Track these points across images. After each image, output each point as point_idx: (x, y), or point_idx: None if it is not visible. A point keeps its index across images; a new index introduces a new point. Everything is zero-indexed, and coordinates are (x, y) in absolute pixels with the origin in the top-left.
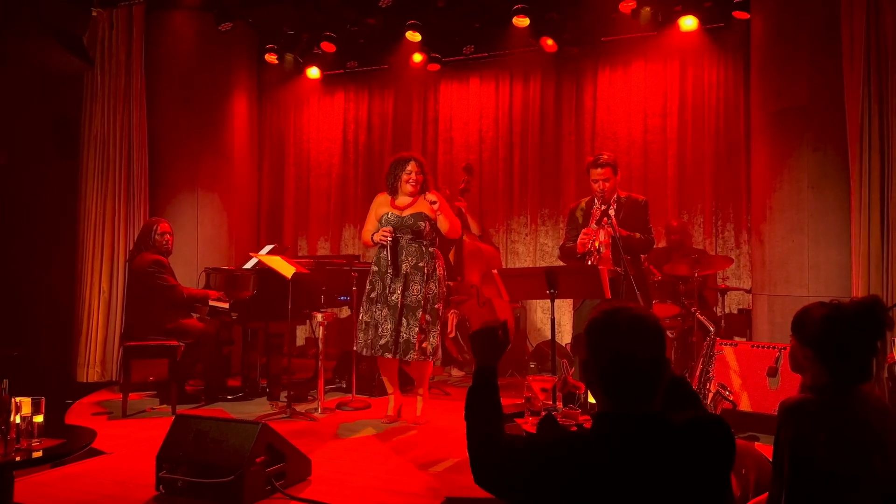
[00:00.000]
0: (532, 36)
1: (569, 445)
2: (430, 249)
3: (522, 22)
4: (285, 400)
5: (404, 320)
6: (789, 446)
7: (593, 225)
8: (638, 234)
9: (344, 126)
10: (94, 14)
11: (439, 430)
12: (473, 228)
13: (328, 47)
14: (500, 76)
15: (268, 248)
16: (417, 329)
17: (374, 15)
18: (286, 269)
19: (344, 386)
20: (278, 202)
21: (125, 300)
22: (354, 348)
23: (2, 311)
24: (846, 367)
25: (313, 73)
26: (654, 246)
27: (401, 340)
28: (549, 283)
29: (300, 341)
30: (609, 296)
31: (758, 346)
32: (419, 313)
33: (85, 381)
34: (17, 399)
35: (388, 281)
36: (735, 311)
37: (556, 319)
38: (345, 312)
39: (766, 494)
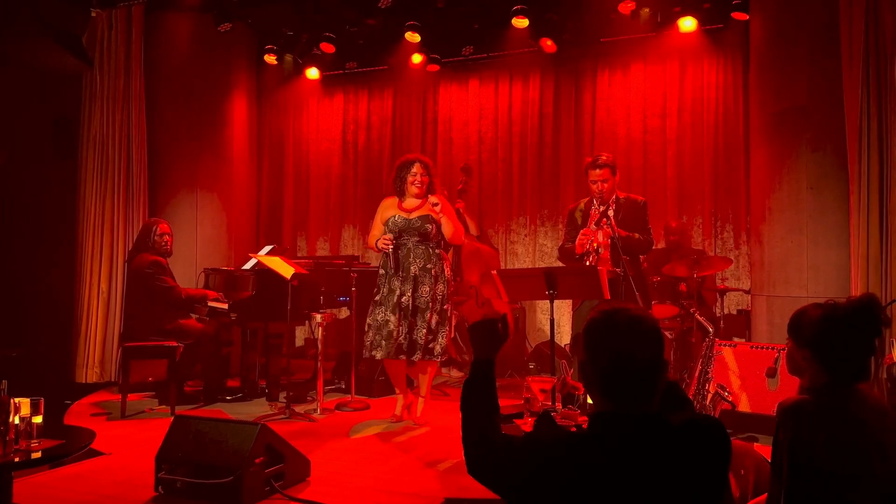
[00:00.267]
0: (531, 37)
1: (567, 445)
2: (437, 251)
3: (522, 23)
4: (284, 401)
5: (414, 321)
6: (788, 447)
7: (592, 226)
8: (637, 235)
9: (343, 127)
10: (93, 15)
11: (438, 430)
12: (472, 229)
13: (327, 48)
14: (500, 77)
15: (267, 248)
16: (426, 330)
17: (373, 16)
18: (285, 269)
19: (343, 387)
20: (277, 202)
21: (124, 301)
22: (365, 354)
23: (1, 312)
24: (844, 367)
25: (313, 73)
26: (654, 247)
27: (410, 341)
28: (549, 283)
29: (299, 342)
30: (608, 296)
31: (757, 347)
32: (428, 314)
33: (84, 381)
34: (16, 400)
35: (398, 283)
36: (734, 312)
37: (556, 320)
38: (344, 313)
39: (765, 495)
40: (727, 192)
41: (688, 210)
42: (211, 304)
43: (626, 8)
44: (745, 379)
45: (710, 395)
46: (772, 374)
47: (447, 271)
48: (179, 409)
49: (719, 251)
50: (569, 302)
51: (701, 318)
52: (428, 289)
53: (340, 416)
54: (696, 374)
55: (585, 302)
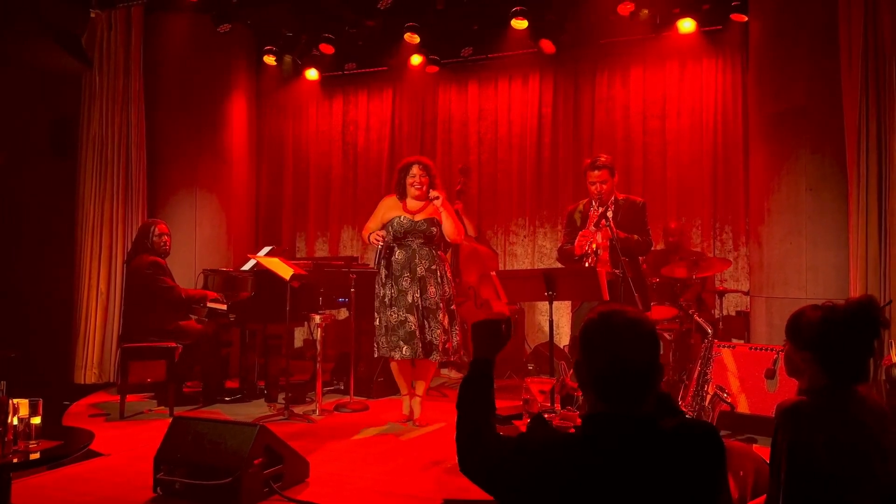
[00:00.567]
0: (531, 38)
1: (560, 446)
2: (440, 253)
3: (521, 24)
4: (283, 402)
5: (426, 322)
6: (787, 449)
7: (591, 227)
8: (636, 237)
9: (343, 128)
10: (92, 15)
11: (438, 431)
12: (470, 230)
13: (327, 49)
14: (499, 78)
15: (266, 249)
16: (440, 330)
17: (372, 17)
18: (284, 270)
19: (342, 388)
20: (277, 203)
21: (123, 301)
22: (377, 354)
23: None
24: (844, 369)
25: (312, 74)
26: (653, 248)
27: (425, 342)
28: (548, 285)
29: (298, 343)
30: (607, 298)
31: (756, 349)
32: (439, 315)
33: (83, 382)
34: (15, 400)
35: (406, 284)
36: (733, 314)
37: (555, 321)
38: (343, 314)
39: (763, 497)
40: (726, 193)
41: (687, 211)
42: (210, 305)
43: (625, 9)
44: (744, 380)
45: (709, 397)
46: (771, 375)
47: (449, 273)
48: (178, 410)
49: (718, 252)
50: (568, 303)
51: (700, 320)
52: (435, 290)
53: (339, 417)
54: (696, 375)
55: (584, 303)
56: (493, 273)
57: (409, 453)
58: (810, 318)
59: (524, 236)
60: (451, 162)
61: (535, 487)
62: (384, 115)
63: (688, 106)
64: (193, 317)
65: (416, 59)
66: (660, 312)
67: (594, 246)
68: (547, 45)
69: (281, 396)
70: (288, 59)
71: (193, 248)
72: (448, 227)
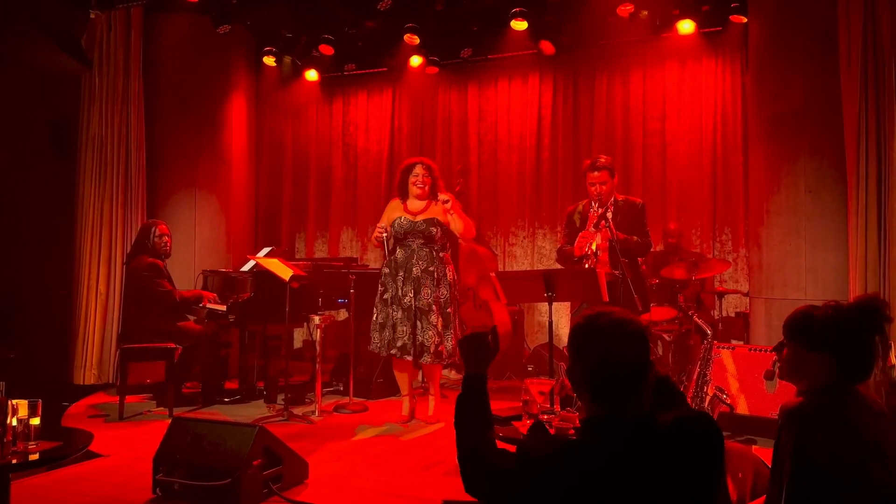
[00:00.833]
0: (530, 39)
1: (563, 455)
2: (441, 255)
3: (520, 25)
4: (283, 403)
5: (419, 323)
6: (791, 450)
7: (591, 228)
8: (635, 238)
9: (342, 128)
10: (92, 16)
11: (437, 432)
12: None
13: (326, 50)
14: (499, 79)
15: (265, 250)
16: (432, 332)
17: (372, 18)
18: (284, 271)
19: (341, 389)
20: (276, 204)
21: (122, 302)
22: (370, 347)
23: None
24: (859, 366)
25: (311, 75)
26: (652, 249)
27: (417, 343)
28: (547, 286)
29: (298, 344)
30: (607, 299)
31: (755, 350)
32: (432, 317)
33: (82, 383)
34: (14, 401)
35: (400, 284)
36: (732, 315)
37: (554, 322)
38: (342, 315)
39: (763, 498)
40: (725, 194)
41: (686, 213)
42: (209, 306)
43: (624, 11)
44: (743, 381)
45: (708, 398)
46: (770, 376)
47: (451, 275)
48: (177, 411)
49: (718, 254)
50: (568, 304)
51: (699, 321)
52: (429, 291)
53: (339, 417)
54: (695, 376)
55: (584, 304)
56: (493, 274)
57: (409, 454)
58: (821, 319)
59: (523, 237)
60: (451, 163)
61: (541, 499)
62: (384, 116)
63: (687, 107)
64: (192, 318)
65: (415, 60)
66: (659, 313)
67: (594, 247)
68: (546, 47)
69: (280, 397)
70: (287, 59)
71: (193, 249)
72: (459, 226)
